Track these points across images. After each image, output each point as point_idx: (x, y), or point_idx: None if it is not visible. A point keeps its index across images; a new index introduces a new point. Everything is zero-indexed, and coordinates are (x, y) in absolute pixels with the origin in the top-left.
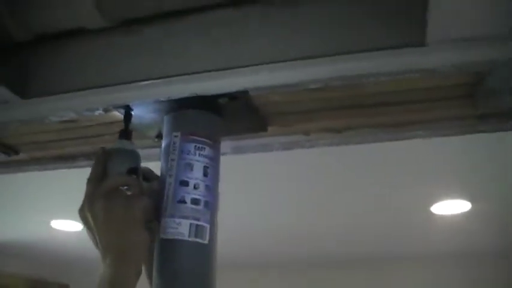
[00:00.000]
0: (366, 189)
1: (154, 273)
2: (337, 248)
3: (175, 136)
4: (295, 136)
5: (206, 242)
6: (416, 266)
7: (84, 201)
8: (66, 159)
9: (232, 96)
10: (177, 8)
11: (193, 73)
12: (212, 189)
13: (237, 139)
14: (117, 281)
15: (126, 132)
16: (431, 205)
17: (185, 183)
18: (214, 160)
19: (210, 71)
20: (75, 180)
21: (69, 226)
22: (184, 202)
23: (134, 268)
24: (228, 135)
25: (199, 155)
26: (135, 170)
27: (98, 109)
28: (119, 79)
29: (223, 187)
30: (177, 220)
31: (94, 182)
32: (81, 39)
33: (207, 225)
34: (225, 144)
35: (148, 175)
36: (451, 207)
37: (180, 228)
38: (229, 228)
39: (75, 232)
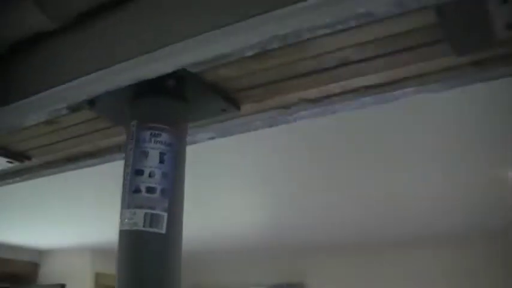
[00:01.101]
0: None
1: (117, 265)
2: (375, 231)
3: (133, 125)
4: (274, 111)
5: (163, 231)
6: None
7: None
8: (73, 161)
9: (178, 77)
10: None
11: (127, 60)
12: (170, 176)
13: (218, 121)
14: None
15: None
16: None
17: (140, 172)
18: (173, 145)
19: (143, 54)
20: None
21: None
22: (139, 191)
23: None
24: (199, 119)
25: (154, 141)
26: None
27: (63, 108)
28: (72, 76)
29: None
30: (133, 210)
31: None
32: (42, 43)
33: (164, 214)
34: (209, 129)
35: None
36: None
37: (135, 218)
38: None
39: None
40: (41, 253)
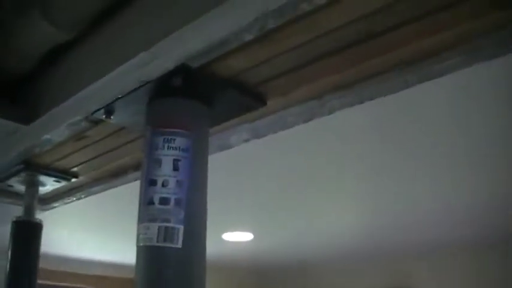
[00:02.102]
0: None
1: (135, 284)
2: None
3: (147, 131)
4: (305, 104)
5: (179, 246)
6: None
7: None
8: (119, 175)
9: (186, 74)
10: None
11: (128, 61)
12: (186, 184)
13: (248, 122)
14: None
15: None
16: None
17: (153, 182)
18: (190, 150)
19: (141, 53)
20: (244, 195)
21: (239, 237)
22: (153, 203)
23: None
24: (222, 120)
25: (168, 148)
26: None
27: (81, 120)
28: (82, 86)
29: None
30: (146, 224)
31: None
32: (60, 58)
33: (180, 227)
34: (241, 129)
35: None
36: None
37: (148, 233)
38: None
39: (245, 242)
40: None
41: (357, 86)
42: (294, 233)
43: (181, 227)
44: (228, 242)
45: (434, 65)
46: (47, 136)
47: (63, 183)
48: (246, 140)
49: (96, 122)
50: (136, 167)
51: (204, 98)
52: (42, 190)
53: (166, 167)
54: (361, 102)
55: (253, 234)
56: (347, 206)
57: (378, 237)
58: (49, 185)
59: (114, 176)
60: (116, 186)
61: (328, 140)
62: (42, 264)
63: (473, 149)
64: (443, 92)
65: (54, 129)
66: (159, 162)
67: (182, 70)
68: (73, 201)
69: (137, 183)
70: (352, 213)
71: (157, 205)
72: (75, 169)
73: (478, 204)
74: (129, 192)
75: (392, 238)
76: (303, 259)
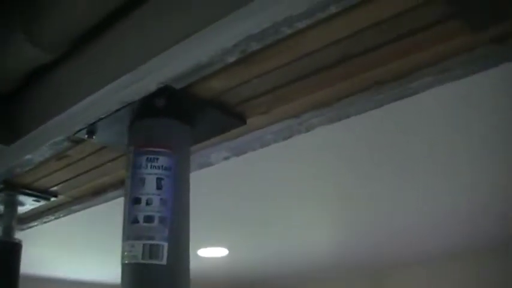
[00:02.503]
0: None
1: None
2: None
3: (130, 151)
4: (283, 122)
5: (163, 262)
6: None
7: None
8: (101, 193)
9: (169, 95)
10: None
11: (111, 82)
12: (169, 202)
13: (229, 139)
14: None
15: None
16: None
17: (137, 201)
18: (173, 169)
19: (124, 75)
20: (219, 211)
21: (214, 253)
22: (137, 222)
23: None
24: (203, 138)
25: (151, 167)
26: None
27: (63, 140)
28: (64, 107)
29: None
30: (131, 242)
31: None
32: (42, 77)
33: (164, 244)
34: (222, 148)
35: None
36: None
37: (133, 250)
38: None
39: (220, 257)
40: None
41: (335, 104)
42: (269, 248)
43: (166, 244)
44: (203, 258)
45: (409, 84)
46: (29, 156)
47: (43, 202)
48: (226, 158)
49: (78, 142)
50: (116, 185)
51: (186, 118)
52: (21, 209)
53: (150, 185)
54: (339, 120)
55: (228, 249)
56: (326, 221)
57: (358, 249)
58: (28, 204)
59: (94, 194)
60: (96, 205)
61: (307, 156)
62: (21, 286)
63: (474, 157)
64: (443, 102)
65: (36, 149)
66: (142, 181)
67: (165, 91)
68: (51, 220)
69: (117, 201)
70: (332, 228)
71: (142, 223)
72: (55, 188)
73: (477, 209)
74: (106, 210)
75: (366, 254)
76: (279, 274)
